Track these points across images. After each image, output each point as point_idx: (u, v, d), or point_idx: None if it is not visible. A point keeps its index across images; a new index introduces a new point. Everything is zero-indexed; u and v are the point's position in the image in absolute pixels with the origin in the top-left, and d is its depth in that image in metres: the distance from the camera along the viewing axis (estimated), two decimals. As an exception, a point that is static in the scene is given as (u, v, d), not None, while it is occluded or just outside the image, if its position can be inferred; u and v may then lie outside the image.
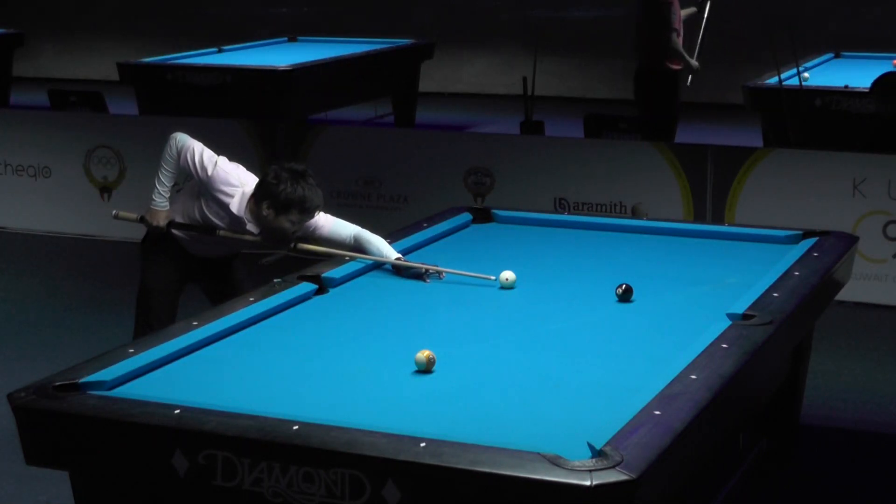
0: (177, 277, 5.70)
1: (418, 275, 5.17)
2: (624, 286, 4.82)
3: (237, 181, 5.43)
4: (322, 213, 5.42)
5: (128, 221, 5.79)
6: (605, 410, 3.64)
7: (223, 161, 5.47)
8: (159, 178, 5.60)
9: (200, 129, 9.18)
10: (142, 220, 5.64)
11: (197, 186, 5.52)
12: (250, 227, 5.42)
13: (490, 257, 5.50)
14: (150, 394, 3.76)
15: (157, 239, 5.65)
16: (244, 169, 5.54)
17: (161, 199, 5.60)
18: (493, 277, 5.06)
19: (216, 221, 5.48)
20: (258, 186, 5.34)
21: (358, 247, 5.36)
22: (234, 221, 5.44)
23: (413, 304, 4.87)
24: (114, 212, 5.88)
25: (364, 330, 4.53)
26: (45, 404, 3.66)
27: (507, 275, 5.04)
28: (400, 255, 5.30)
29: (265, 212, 5.28)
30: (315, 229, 5.43)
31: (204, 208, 5.48)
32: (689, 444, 3.56)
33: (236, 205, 5.41)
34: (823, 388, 6.39)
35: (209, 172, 5.41)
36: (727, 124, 12.36)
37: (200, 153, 5.46)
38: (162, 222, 5.57)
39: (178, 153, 5.52)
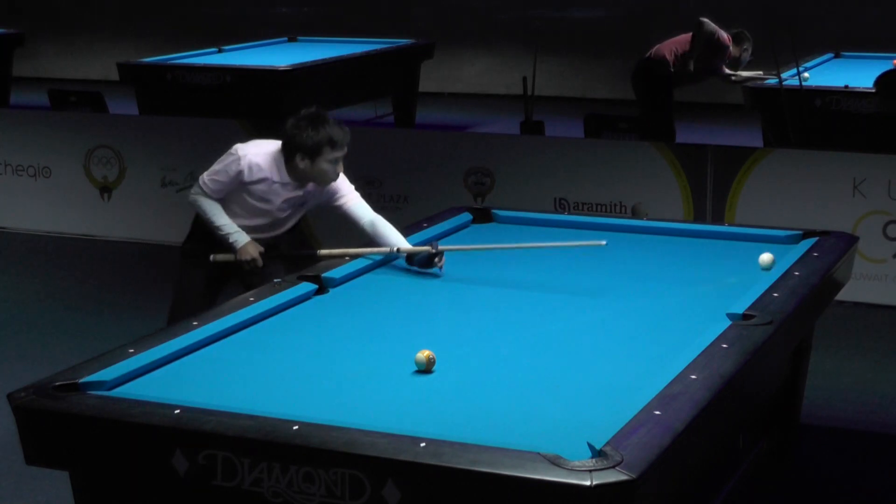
0: (217, 276, 5.69)
1: (427, 260, 5.21)
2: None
3: (247, 163, 5.43)
4: (350, 188, 5.53)
5: (227, 261, 5.57)
6: (605, 410, 3.64)
7: (229, 164, 5.48)
8: (213, 223, 5.52)
9: (200, 129, 9.26)
10: (239, 262, 5.52)
11: (238, 195, 5.53)
12: (295, 190, 5.46)
13: (490, 257, 5.50)
14: (150, 394, 3.76)
15: (201, 241, 5.61)
16: (238, 148, 5.52)
17: (236, 235, 5.52)
18: (603, 242, 5.27)
19: (278, 199, 5.50)
20: (285, 145, 5.39)
21: (374, 231, 5.42)
22: (286, 187, 5.47)
23: (413, 304, 4.87)
24: (211, 256, 5.55)
25: (364, 330, 4.53)
26: (45, 404, 3.66)
27: (766, 257, 5.22)
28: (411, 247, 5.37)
29: (301, 164, 5.35)
30: (339, 197, 5.51)
31: (261, 202, 5.50)
32: (689, 444, 3.56)
33: (276, 174, 5.44)
34: (823, 388, 6.39)
35: (240, 180, 5.43)
36: (727, 124, 12.36)
37: (217, 180, 5.49)
38: (254, 253, 5.50)
39: (206, 204, 5.52)
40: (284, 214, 5.62)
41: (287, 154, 5.40)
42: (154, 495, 3.63)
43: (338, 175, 5.44)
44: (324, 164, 5.35)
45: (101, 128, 9.62)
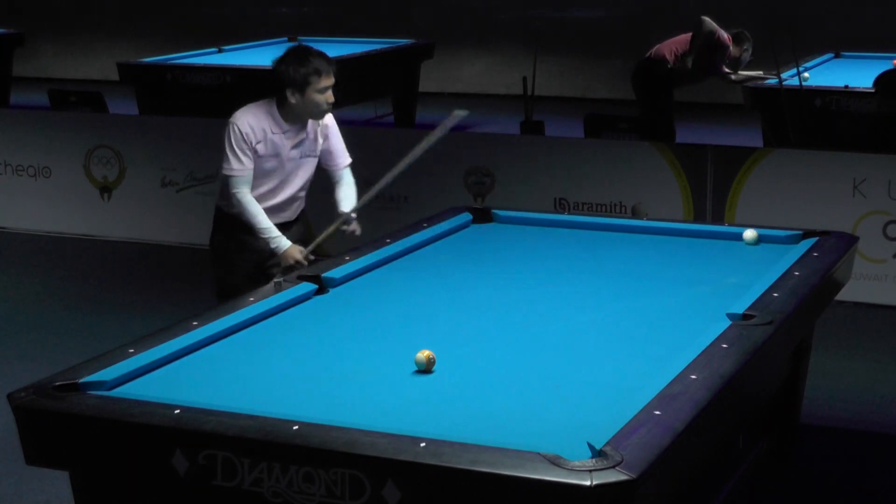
0: (259, 260, 5.75)
1: (347, 221, 5.69)
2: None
3: (246, 124, 5.55)
4: (339, 136, 5.85)
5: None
6: (605, 410, 3.64)
7: (233, 135, 5.56)
8: (256, 226, 5.59)
9: (200, 129, 9.26)
10: (285, 270, 5.51)
11: (260, 167, 5.65)
12: (298, 135, 5.61)
13: (490, 257, 5.50)
14: (150, 394, 3.76)
15: (230, 234, 5.69)
16: (232, 118, 5.63)
17: (278, 240, 5.60)
18: (465, 113, 5.78)
19: (285, 150, 5.61)
20: (276, 85, 5.55)
21: (338, 187, 5.83)
22: (287, 134, 5.60)
23: (413, 304, 4.87)
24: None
25: (364, 330, 4.52)
26: (45, 404, 3.66)
27: (750, 233, 5.53)
28: (354, 214, 5.75)
29: (293, 99, 5.53)
30: (331, 136, 5.81)
31: (272, 159, 5.60)
32: (689, 444, 3.56)
33: (273, 125, 5.58)
34: (823, 388, 6.39)
35: (250, 143, 5.54)
36: (727, 124, 12.36)
37: (237, 157, 5.55)
38: (299, 256, 5.57)
39: (239, 196, 5.59)
40: (296, 165, 5.70)
41: (279, 95, 5.55)
42: (154, 495, 3.63)
43: (330, 105, 5.62)
44: (314, 95, 5.54)
45: (101, 128, 9.63)
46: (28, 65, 15.22)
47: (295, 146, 5.63)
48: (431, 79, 13.52)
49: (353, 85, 11.71)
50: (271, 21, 15.50)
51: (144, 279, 8.54)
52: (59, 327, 7.49)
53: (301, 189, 5.79)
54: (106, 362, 3.98)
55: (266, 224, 5.59)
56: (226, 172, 5.60)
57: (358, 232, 5.80)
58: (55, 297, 8.14)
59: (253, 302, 4.64)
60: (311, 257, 5.60)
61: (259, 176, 5.61)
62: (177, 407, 3.59)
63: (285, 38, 13.07)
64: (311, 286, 4.89)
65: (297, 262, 5.54)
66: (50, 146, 9.61)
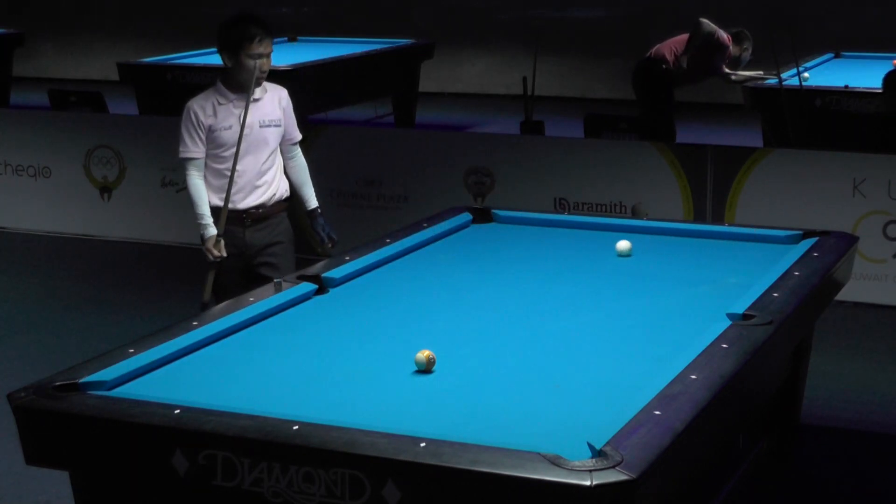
0: (241, 264, 5.82)
1: (321, 238, 5.85)
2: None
3: (196, 102, 5.68)
4: (291, 109, 5.85)
5: (209, 283, 5.75)
6: (605, 410, 3.64)
7: (185, 118, 5.68)
8: (194, 209, 5.71)
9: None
10: (210, 265, 5.71)
11: (213, 156, 5.72)
12: (244, 102, 5.63)
13: (490, 257, 5.50)
14: (150, 394, 3.76)
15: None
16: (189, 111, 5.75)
17: (205, 228, 5.69)
18: None
19: (233, 119, 5.64)
20: (218, 50, 5.71)
21: (290, 160, 5.90)
22: (235, 103, 5.65)
23: (413, 304, 4.87)
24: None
25: (364, 330, 4.52)
26: (45, 404, 3.66)
27: (623, 245, 5.42)
28: (317, 207, 5.92)
29: (229, 63, 5.64)
30: (285, 108, 5.82)
31: (225, 132, 5.66)
32: (689, 444, 3.56)
33: (220, 97, 5.67)
34: (823, 388, 6.39)
35: (201, 122, 5.65)
36: (727, 124, 12.36)
37: (185, 139, 5.66)
38: (211, 247, 5.67)
39: (187, 179, 5.72)
40: (257, 136, 5.71)
41: (222, 63, 5.68)
42: (154, 495, 3.63)
43: (261, 73, 5.63)
44: (245, 60, 5.58)
45: (101, 128, 9.63)
46: (28, 65, 15.22)
47: (247, 113, 5.66)
48: (431, 79, 13.52)
49: (353, 85, 11.73)
50: (271, 21, 15.42)
51: (144, 279, 8.54)
52: (59, 327, 7.49)
53: (267, 161, 5.80)
54: (106, 362, 3.98)
55: (202, 211, 5.69)
56: (181, 156, 5.73)
57: (335, 241, 5.98)
58: (55, 297, 8.14)
59: (253, 302, 4.64)
60: (225, 252, 5.68)
61: (222, 150, 5.69)
62: (177, 407, 3.59)
63: (285, 38, 13.09)
64: (311, 286, 4.89)
65: (208, 251, 5.66)
66: (50, 146, 9.61)
